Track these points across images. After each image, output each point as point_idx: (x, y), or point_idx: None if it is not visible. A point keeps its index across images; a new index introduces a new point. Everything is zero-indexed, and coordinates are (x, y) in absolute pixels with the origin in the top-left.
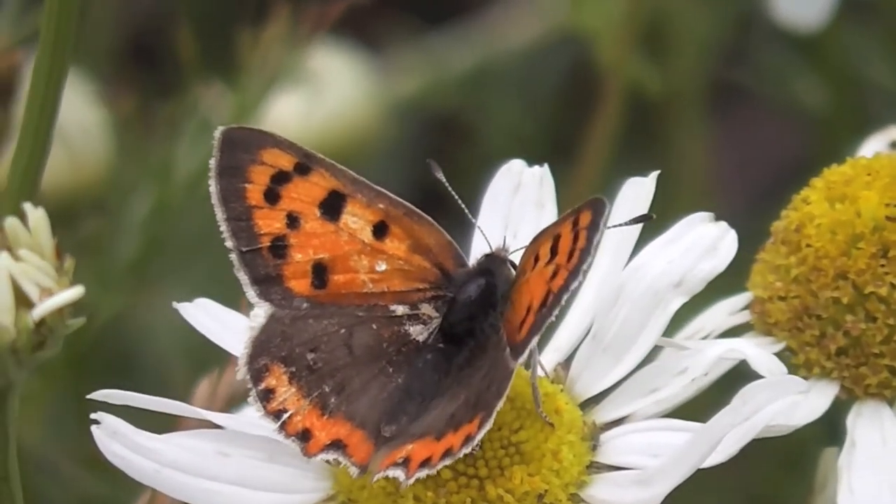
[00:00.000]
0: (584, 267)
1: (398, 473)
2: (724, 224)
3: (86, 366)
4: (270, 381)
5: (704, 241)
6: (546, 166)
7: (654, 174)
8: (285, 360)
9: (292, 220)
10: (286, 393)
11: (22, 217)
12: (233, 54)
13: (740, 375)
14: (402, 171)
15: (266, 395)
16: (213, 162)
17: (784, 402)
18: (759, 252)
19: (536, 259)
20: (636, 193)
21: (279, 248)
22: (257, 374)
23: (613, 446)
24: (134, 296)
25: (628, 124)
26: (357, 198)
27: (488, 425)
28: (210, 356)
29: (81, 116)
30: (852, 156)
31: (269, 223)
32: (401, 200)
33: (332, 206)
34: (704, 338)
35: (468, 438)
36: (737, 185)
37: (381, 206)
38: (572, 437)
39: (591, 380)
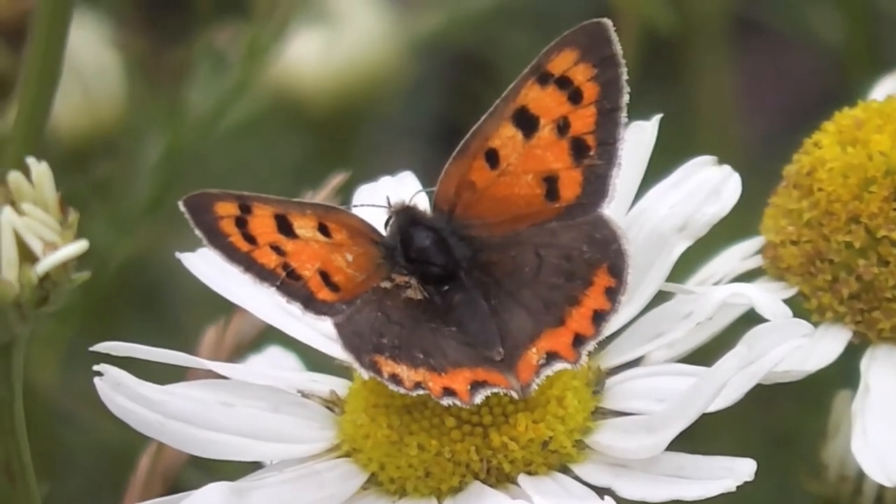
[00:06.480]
0: (624, 80)
1: (562, 365)
2: (727, 167)
3: (107, 309)
4: (387, 368)
5: (708, 185)
6: None
7: (657, 118)
8: (377, 349)
9: (276, 249)
10: (404, 371)
11: (26, 170)
12: None
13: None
14: (425, 109)
15: (396, 379)
16: (197, 232)
17: (789, 345)
18: (772, 196)
19: (494, 155)
20: (638, 138)
21: (291, 273)
22: (374, 368)
23: (619, 391)
24: (150, 239)
25: (649, 58)
26: (292, 213)
27: (628, 269)
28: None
29: (98, 59)
30: (870, 89)
31: (268, 258)
32: (313, 202)
33: (285, 227)
34: (717, 283)
35: (610, 290)
36: (758, 118)
37: (308, 211)
38: (577, 384)
39: None
